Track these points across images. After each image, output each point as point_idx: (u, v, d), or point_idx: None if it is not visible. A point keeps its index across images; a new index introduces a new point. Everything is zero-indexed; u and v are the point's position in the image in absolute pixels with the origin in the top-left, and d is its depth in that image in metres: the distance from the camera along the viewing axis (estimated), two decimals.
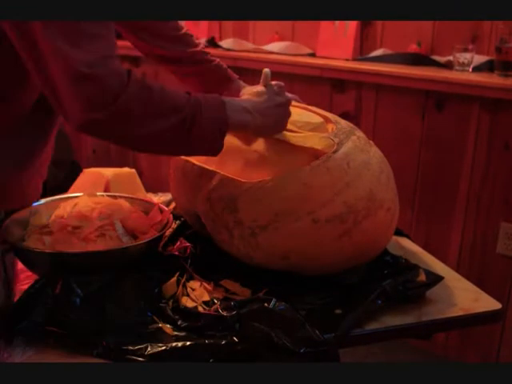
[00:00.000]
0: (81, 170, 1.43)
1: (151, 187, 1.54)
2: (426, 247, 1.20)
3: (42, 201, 1.10)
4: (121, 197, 1.12)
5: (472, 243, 1.93)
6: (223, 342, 0.82)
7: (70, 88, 0.76)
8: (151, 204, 1.11)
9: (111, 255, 0.92)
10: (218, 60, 1.26)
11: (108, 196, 1.12)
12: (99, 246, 0.95)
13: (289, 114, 0.98)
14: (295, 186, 0.91)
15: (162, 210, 1.08)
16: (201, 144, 0.86)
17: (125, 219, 1.02)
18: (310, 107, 1.06)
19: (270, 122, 0.94)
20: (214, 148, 0.87)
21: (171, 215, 1.06)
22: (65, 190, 1.39)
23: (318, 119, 1.01)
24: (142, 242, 0.96)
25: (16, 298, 0.88)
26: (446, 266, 1.11)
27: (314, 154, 0.93)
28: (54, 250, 0.94)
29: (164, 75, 2.67)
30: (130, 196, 1.16)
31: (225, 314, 0.86)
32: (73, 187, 1.37)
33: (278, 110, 0.95)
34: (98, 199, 1.09)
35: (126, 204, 1.09)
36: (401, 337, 1.00)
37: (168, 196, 1.36)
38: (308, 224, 0.91)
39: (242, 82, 1.26)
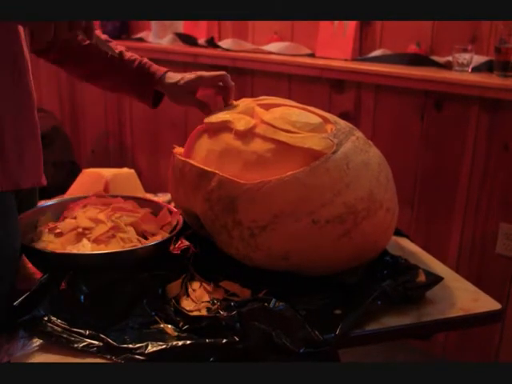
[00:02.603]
0: (80, 171, 1.43)
1: (150, 187, 1.54)
2: (425, 247, 1.20)
3: (50, 202, 1.11)
4: (130, 198, 1.12)
5: (471, 243, 1.94)
6: (223, 342, 0.82)
7: None
8: (160, 205, 1.11)
9: (122, 257, 0.93)
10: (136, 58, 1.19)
11: (117, 197, 1.12)
12: (110, 247, 0.95)
13: None
14: (295, 187, 0.91)
15: (171, 211, 1.08)
16: None
17: (135, 220, 1.03)
18: (308, 107, 1.06)
19: None
20: None
21: (180, 216, 1.06)
22: (64, 190, 1.39)
23: (316, 120, 1.01)
24: (152, 243, 0.96)
25: (16, 298, 0.88)
26: (446, 267, 1.11)
27: (313, 155, 0.93)
28: (65, 251, 0.95)
29: None
30: (139, 197, 1.16)
31: (225, 314, 0.86)
32: (72, 188, 1.37)
33: None
34: (107, 200, 1.09)
35: (135, 205, 1.09)
36: (400, 337, 1.01)
37: (167, 196, 1.36)
38: (308, 225, 0.91)
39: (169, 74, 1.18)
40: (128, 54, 1.18)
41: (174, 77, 1.15)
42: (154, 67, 1.17)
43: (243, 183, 0.93)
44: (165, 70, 1.17)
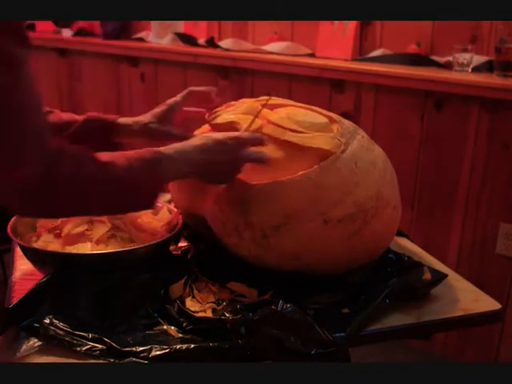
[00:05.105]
0: None
1: None
2: (425, 247, 1.20)
3: None
4: None
5: (471, 243, 1.94)
6: (227, 346, 0.81)
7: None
8: (160, 205, 1.11)
9: (122, 257, 0.93)
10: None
11: None
12: (110, 247, 0.95)
13: (237, 170, 0.94)
14: (306, 187, 0.91)
15: (170, 211, 1.08)
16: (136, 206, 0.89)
17: (135, 220, 1.02)
18: (312, 107, 1.06)
19: (213, 177, 0.93)
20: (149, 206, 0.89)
21: (180, 216, 1.06)
22: None
23: (323, 119, 1.01)
24: (152, 243, 0.96)
25: (15, 298, 0.88)
26: (446, 267, 1.11)
27: (322, 155, 0.93)
28: (66, 251, 0.95)
29: (164, 75, 2.68)
30: None
31: (230, 317, 0.86)
32: None
33: (223, 168, 0.92)
34: None
35: None
36: (401, 337, 1.00)
37: (167, 196, 1.35)
38: (319, 224, 0.91)
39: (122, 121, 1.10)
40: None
41: (126, 121, 1.08)
42: (104, 117, 1.09)
43: (255, 184, 0.92)
44: (114, 117, 1.09)
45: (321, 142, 0.94)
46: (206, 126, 1.08)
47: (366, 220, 0.92)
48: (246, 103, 1.08)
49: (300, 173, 0.91)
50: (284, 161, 0.94)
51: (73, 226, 0.99)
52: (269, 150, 0.95)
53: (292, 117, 0.99)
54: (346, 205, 0.91)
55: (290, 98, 1.12)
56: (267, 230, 0.92)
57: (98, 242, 0.96)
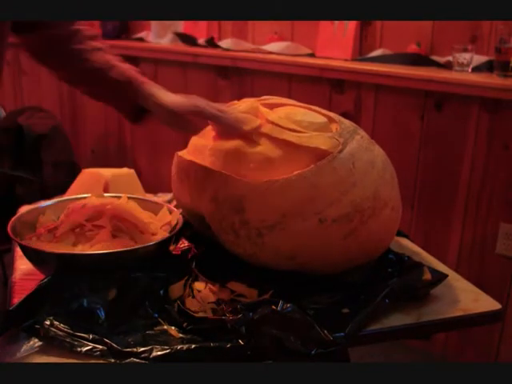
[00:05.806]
0: (80, 171, 1.42)
1: (150, 187, 1.54)
2: (425, 247, 1.20)
3: (50, 201, 1.10)
4: (130, 197, 1.12)
5: (471, 243, 1.94)
6: (228, 346, 0.81)
7: None
8: (160, 205, 1.11)
9: (122, 257, 0.92)
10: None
11: (116, 197, 1.12)
12: (110, 247, 0.95)
13: None
14: (302, 186, 0.91)
15: (171, 211, 1.08)
16: None
17: (135, 220, 1.02)
18: (312, 107, 1.06)
19: None
20: None
21: (180, 216, 1.06)
22: (64, 190, 1.39)
23: (322, 119, 1.01)
24: (152, 243, 0.96)
25: (15, 299, 0.88)
26: (446, 267, 1.11)
27: (320, 154, 0.93)
28: (65, 250, 0.95)
29: (164, 75, 2.68)
30: (139, 197, 1.15)
31: (231, 317, 0.86)
32: (72, 188, 1.37)
33: None
34: (106, 200, 1.09)
35: (135, 205, 1.09)
36: (401, 337, 1.00)
37: (167, 196, 1.36)
38: (315, 224, 0.91)
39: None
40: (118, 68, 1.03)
41: (159, 96, 0.99)
42: (139, 80, 1.02)
43: (251, 182, 0.92)
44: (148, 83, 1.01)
45: (318, 141, 0.94)
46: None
47: (363, 220, 0.92)
48: (246, 103, 1.08)
49: (296, 172, 0.91)
50: (281, 160, 0.94)
51: (73, 226, 0.99)
52: (266, 149, 0.96)
53: (291, 116, 0.99)
54: (342, 204, 0.91)
55: (289, 98, 1.11)
56: (262, 229, 0.92)
57: (98, 242, 0.96)
